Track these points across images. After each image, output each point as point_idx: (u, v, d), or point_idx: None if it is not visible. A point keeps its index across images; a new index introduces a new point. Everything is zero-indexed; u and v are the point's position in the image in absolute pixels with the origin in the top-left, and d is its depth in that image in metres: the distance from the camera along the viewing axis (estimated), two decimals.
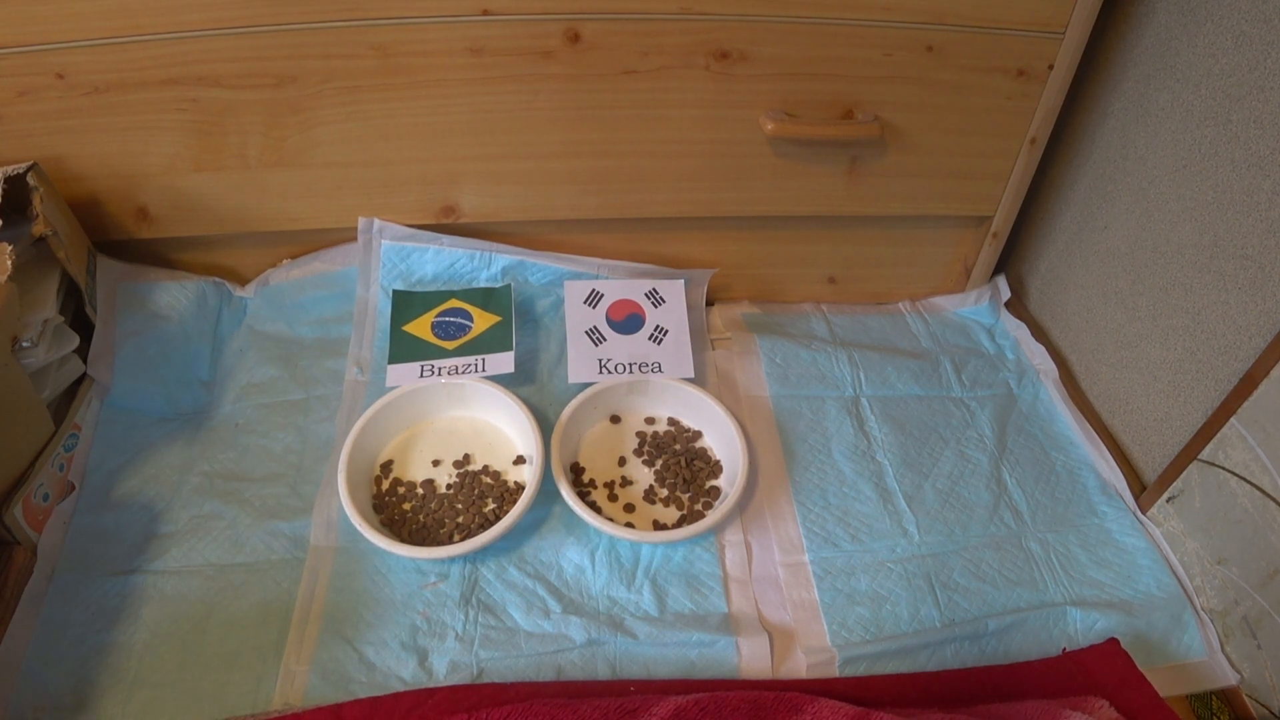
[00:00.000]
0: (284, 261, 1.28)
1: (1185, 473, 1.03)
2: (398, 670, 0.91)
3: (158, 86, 1.08)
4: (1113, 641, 0.94)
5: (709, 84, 1.10)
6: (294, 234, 1.24)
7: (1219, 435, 0.98)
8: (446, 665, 0.91)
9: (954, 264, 1.37)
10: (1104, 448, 1.18)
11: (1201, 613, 1.00)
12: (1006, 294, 1.38)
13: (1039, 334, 1.34)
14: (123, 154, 1.14)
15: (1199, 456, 1.01)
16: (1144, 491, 1.12)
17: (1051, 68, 1.12)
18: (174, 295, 1.20)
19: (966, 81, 1.13)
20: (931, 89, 1.13)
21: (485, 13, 1.03)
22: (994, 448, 1.17)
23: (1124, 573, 1.03)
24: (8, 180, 1.07)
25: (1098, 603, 1.00)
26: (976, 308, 1.37)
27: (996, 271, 1.39)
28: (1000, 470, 1.14)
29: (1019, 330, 1.35)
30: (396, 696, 0.88)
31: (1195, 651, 0.97)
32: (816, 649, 0.94)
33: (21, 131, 1.11)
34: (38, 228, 1.09)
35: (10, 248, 1.01)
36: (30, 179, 1.09)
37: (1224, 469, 0.98)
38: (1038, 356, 1.31)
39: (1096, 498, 1.12)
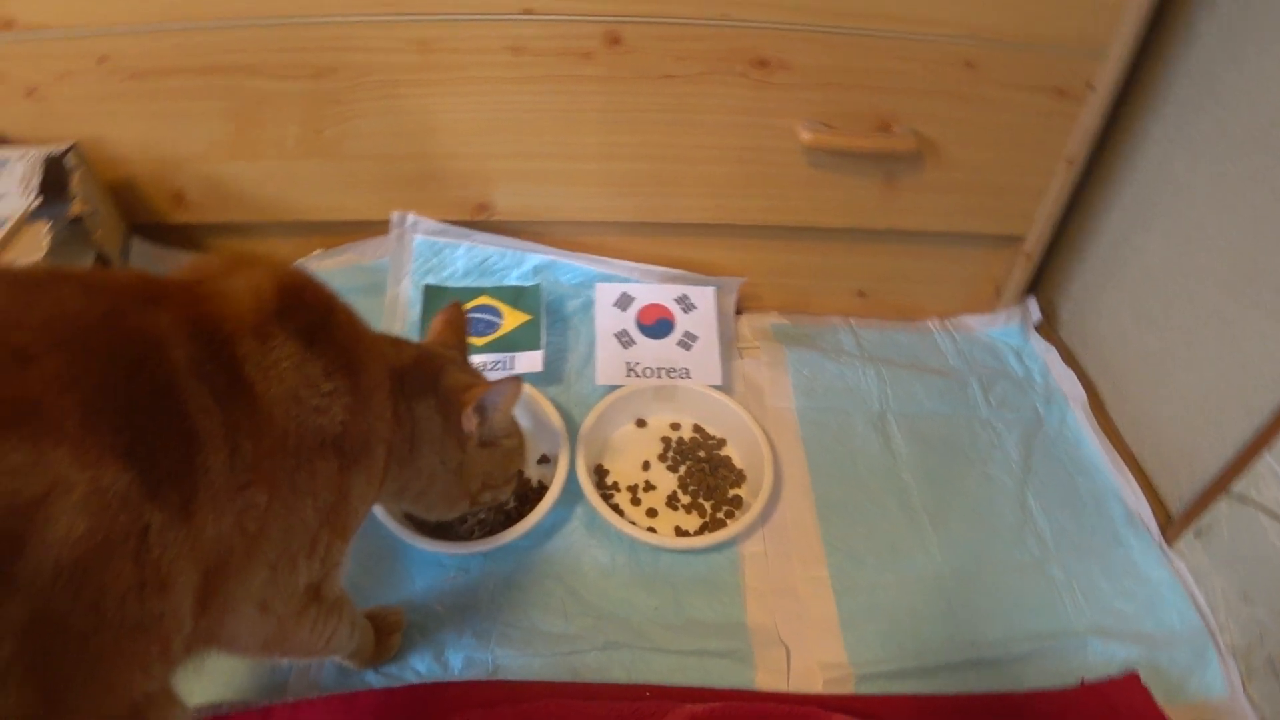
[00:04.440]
0: (316, 252, 1.28)
1: (1214, 506, 1.02)
2: (413, 663, 0.91)
3: (199, 74, 1.09)
4: (1133, 676, 0.93)
5: (746, 91, 1.10)
6: (327, 225, 1.25)
7: (1251, 470, 0.96)
8: (462, 660, 0.91)
9: (985, 283, 1.35)
10: (1131, 476, 1.16)
11: (1224, 650, 0.98)
12: (1037, 316, 1.36)
13: (1068, 358, 1.32)
14: (161, 138, 1.15)
15: (1229, 490, 0.99)
16: (1170, 523, 1.10)
17: (1092, 88, 1.11)
18: None
19: (1005, 98, 1.12)
20: (969, 104, 1.13)
21: (527, 12, 1.03)
22: (1019, 471, 1.15)
23: (1146, 605, 1.02)
24: (48, 160, 1.09)
25: (1119, 634, 0.98)
26: (1006, 328, 1.35)
27: (1027, 292, 1.38)
28: (1025, 494, 1.13)
29: (1048, 353, 1.33)
30: (411, 689, 0.88)
31: (1216, 690, 0.95)
32: (833, 664, 0.93)
33: (62, 113, 1.13)
34: (75, 207, 1.10)
35: (47, 226, 1.02)
36: (69, 159, 1.10)
37: (1255, 505, 0.96)
38: (1066, 381, 1.29)
39: (1122, 527, 1.10)
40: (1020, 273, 1.32)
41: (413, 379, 0.79)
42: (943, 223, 1.25)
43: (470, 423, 0.82)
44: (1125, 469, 1.17)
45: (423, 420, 0.80)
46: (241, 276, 0.64)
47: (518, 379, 0.84)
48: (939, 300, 1.37)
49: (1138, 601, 1.02)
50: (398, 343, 0.82)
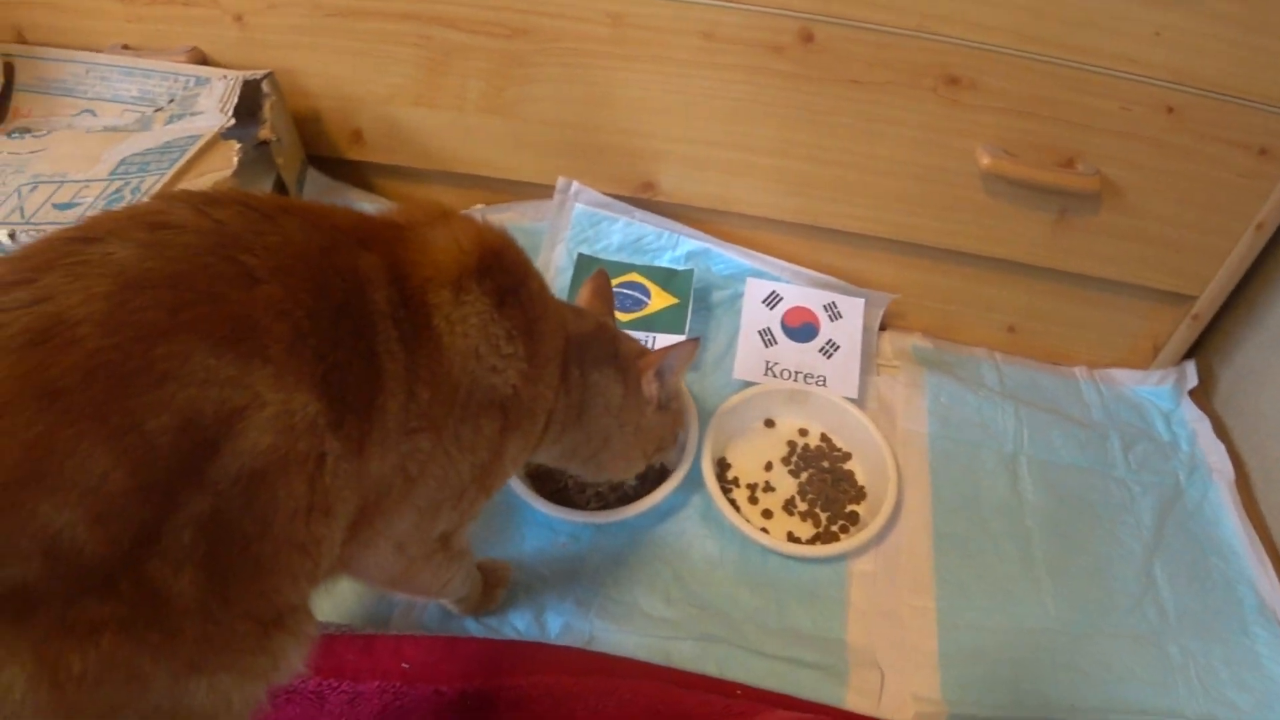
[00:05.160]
0: (478, 206, 1.31)
1: None
2: (513, 619, 0.93)
3: (396, 19, 1.13)
4: None
5: (932, 107, 1.07)
6: (493, 181, 1.28)
7: None
8: (560, 625, 0.93)
9: (1143, 339, 1.29)
10: (1269, 566, 1.09)
11: None
12: (1193, 381, 1.29)
13: (1220, 431, 1.25)
14: (351, 77, 1.20)
15: None
16: None
17: None
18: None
19: (1202, 150, 1.07)
20: (1162, 152, 1.07)
21: None
22: (1150, 538, 1.10)
23: (1266, 702, 0.96)
24: (245, 84, 1.14)
25: None
26: (1158, 389, 1.29)
27: (1187, 355, 1.31)
28: (1152, 563, 1.08)
29: (1199, 422, 1.26)
30: (509, 643, 0.90)
31: None
32: (926, 698, 0.92)
33: (264, 41, 1.19)
34: (264, 132, 1.15)
35: (238, 146, 1.08)
36: (265, 86, 1.16)
37: None
38: (1214, 454, 1.22)
39: (1251, 616, 1.04)
40: (1184, 334, 1.25)
41: (592, 348, 0.82)
42: (1110, 270, 1.20)
43: (651, 387, 0.86)
44: (1265, 557, 1.10)
45: (598, 388, 0.82)
46: (447, 228, 0.67)
47: (695, 341, 0.88)
48: (1091, 349, 1.31)
49: (1256, 696, 0.96)
50: (579, 313, 0.85)
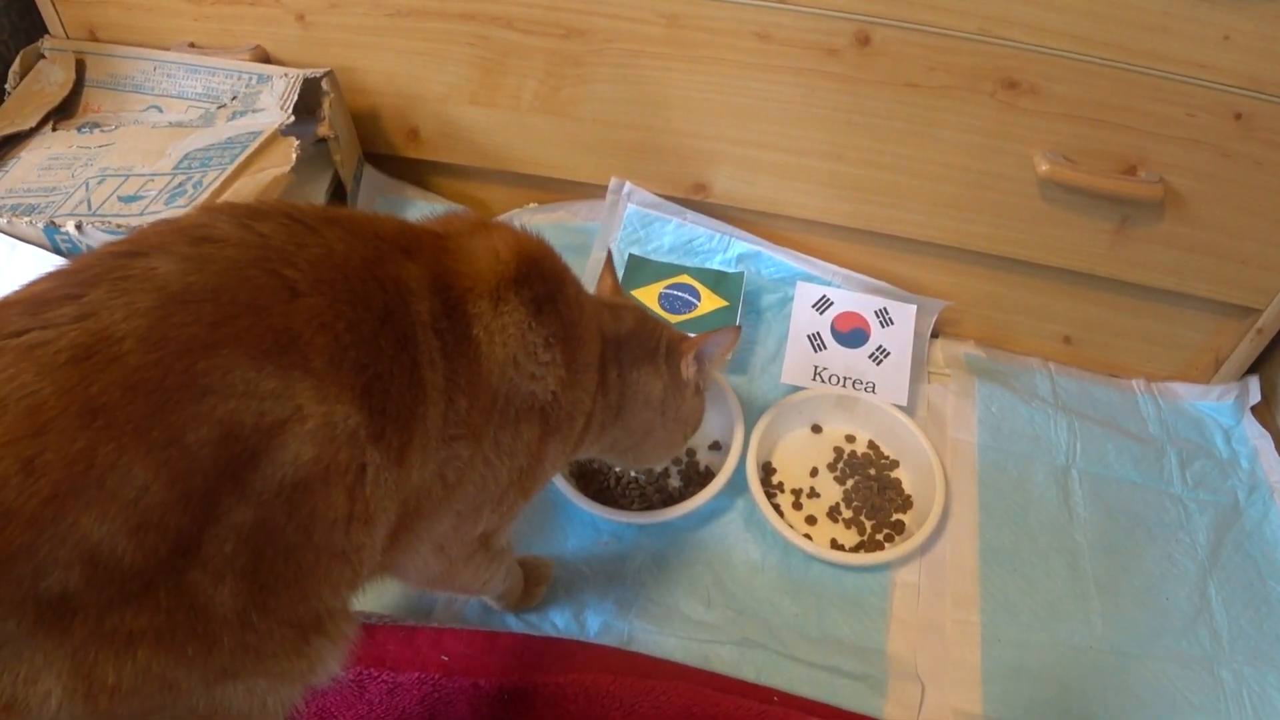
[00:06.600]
0: (531, 205, 1.33)
1: None
2: (552, 616, 0.94)
3: (455, 19, 1.14)
4: None
5: (990, 112, 1.06)
6: (546, 180, 1.29)
7: None
8: (599, 624, 0.93)
9: (1204, 352, 1.26)
10: None
11: None
12: (1256, 397, 1.26)
13: None
14: (409, 76, 1.22)
15: None
16: None
17: None
18: (424, 214, 1.26)
19: (1271, 158, 1.04)
20: (1229, 160, 1.05)
21: (782, 0, 1.02)
22: (1205, 558, 1.07)
23: None
24: (305, 82, 1.17)
25: None
26: (1218, 404, 1.26)
27: (1250, 370, 1.27)
28: (1207, 584, 1.05)
29: (1261, 440, 1.23)
30: (548, 640, 0.91)
31: None
32: (968, 714, 0.90)
33: (325, 40, 1.21)
34: (323, 129, 1.18)
35: (298, 142, 1.10)
36: (324, 84, 1.18)
37: None
38: (1276, 473, 1.18)
39: None
40: (1247, 348, 1.22)
41: (630, 347, 0.82)
42: (1171, 281, 1.17)
43: (690, 370, 0.86)
44: None
45: (638, 385, 0.83)
46: (486, 238, 0.68)
47: (737, 328, 0.89)
48: (1149, 361, 1.28)
49: None
50: (618, 312, 0.84)
